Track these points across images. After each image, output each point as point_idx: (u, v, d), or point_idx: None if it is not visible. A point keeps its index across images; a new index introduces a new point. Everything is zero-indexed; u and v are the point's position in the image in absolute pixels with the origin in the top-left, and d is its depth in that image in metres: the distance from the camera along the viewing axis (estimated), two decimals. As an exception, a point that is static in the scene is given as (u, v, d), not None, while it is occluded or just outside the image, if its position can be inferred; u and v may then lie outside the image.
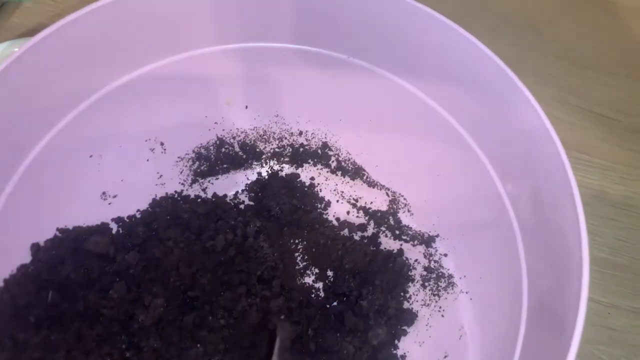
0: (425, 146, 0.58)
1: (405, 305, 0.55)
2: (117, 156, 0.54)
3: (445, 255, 0.58)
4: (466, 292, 0.55)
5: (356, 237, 0.59)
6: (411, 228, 0.60)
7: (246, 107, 0.60)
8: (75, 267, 0.48)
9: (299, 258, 0.56)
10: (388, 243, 0.59)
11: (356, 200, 0.61)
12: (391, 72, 0.55)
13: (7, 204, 0.45)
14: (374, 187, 0.62)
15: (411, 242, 0.59)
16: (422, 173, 0.58)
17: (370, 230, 0.60)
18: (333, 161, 0.62)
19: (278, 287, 0.51)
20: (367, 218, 0.61)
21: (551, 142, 0.43)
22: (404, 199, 0.61)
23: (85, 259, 0.48)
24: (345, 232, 0.59)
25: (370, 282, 0.54)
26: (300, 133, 0.62)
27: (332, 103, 0.59)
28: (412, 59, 0.52)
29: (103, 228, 0.52)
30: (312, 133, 0.62)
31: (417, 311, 0.55)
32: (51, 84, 0.45)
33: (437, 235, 0.59)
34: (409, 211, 0.61)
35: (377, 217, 0.61)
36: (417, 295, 0.56)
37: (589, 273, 0.37)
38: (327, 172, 0.62)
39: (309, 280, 0.55)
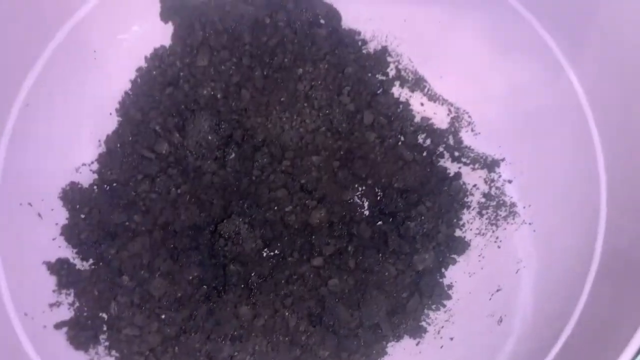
0: (502, 57, 0.50)
1: (458, 233, 0.50)
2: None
3: (510, 181, 0.51)
4: (529, 224, 0.49)
5: (409, 155, 0.52)
6: (473, 150, 0.53)
7: None
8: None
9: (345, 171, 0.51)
10: (445, 164, 0.53)
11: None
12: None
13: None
14: (435, 102, 0.55)
15: (471, 165, 0.53)
16: (494, 86, 0.51)
17: (425, 149, 0.53)
18: (391, 69, 0.55)
19: (319, 198, 0.48)
20: (423, 135, 0.54)
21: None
22: (469, 116, 0.54)
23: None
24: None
25: (420, 204, 0.49)
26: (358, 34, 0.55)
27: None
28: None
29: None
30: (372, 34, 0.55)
31: (470, 240, 0.50)
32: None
33: (503, 159, 0.52)
34: (472, 130, 0.54)
35: (435, 135, 0.54)
36: (471, 223, 0.51)
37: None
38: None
39: (354, 195, 0.51)
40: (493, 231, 0.50)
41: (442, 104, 0.55)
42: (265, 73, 0.50)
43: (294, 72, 0.50)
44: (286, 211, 0.48)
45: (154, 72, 0.50)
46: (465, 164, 0.53)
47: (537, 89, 0.48)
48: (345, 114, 0.51)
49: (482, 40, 0.52)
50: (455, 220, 0.51)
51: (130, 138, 0.49)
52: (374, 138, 0.52)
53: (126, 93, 0.51)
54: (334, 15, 0.53)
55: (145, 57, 0.51)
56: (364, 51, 0.54)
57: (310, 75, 0.51)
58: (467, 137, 0.54)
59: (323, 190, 0.49)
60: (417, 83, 0.55)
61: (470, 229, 0.51)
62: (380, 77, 0.55)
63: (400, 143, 0.53)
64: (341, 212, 0.49)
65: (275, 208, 0.48)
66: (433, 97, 0.55)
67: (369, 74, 0.54)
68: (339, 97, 0.51)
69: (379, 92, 0.54)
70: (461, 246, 0.49)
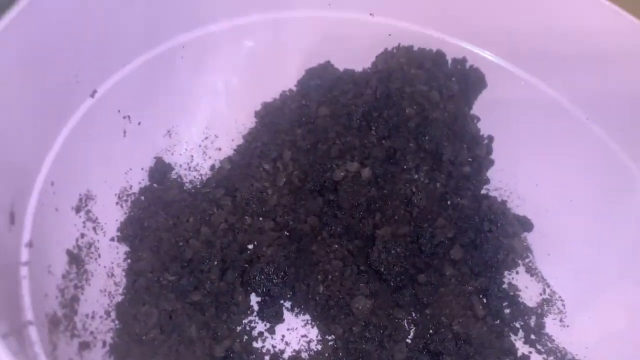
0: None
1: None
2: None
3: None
4: None
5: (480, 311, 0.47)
6: (553, 340, 0.47)
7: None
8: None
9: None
10: (515, 340, 0.47)
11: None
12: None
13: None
14: (531, 275, 0.51)
15: (544, 356, 0.46)
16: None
17: (500, 315, 0.48)
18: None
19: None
20: (505, 303, 0.49)
21: None
22: (562, 304, 0.49)
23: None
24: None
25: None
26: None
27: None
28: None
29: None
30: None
31: None
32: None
33: (585, 366, 0.45)
34: (561, 321, 0.48)
35: (517, 308, 0.49)
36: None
37: None
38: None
39: (405, 317, 0.47)
40: None
41: (539, 282, 0.51)
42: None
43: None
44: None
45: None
46: (538, 351, 0.47)
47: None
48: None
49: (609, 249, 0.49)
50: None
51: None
52: (451, 275, 0.48)
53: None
54: (483, 162, 0.52)
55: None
56: (483, 191, 0.53)
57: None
58: (551, 325, 0.48)
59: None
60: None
61: None
62: (487, 224, 0.53)
63: (479, 295, 0.49)
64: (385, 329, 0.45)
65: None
66: (531, 270, 0.51)
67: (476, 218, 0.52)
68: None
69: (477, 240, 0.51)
70: None
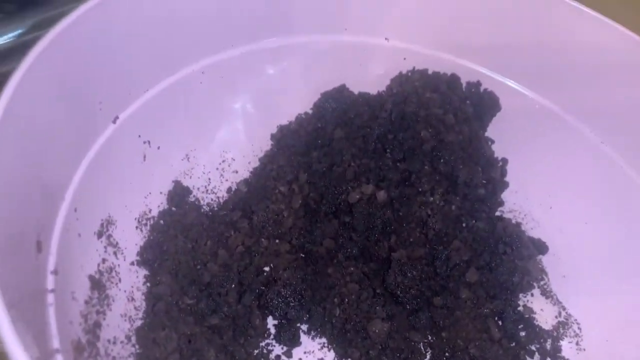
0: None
1: None
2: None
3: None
4: None
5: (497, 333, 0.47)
6: (569, 367, 0.47)
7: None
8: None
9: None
10: (531, 363, 0.47)
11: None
12: None
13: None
14: (546, 298, 0.51)
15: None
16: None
17: (515, 338, 0.48)
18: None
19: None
20: (520, 326, 0.49)
21: None
22: (579, 328, 0.48)
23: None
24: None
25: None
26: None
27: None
28: None
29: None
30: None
31: None
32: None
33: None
34: (577, 344, 0.48)
35: (532, 331, 0.49)
36: None
37: None
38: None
39: (421, 342, 0.47)
40: None
41: (554, 304, 0.51)
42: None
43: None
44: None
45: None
46: (554, 379, 0.46)
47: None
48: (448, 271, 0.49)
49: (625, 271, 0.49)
50: None
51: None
52: (466, 297, 0.48)
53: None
54: (498, 184, 0.52)
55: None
56: (497, 213, 0.53)
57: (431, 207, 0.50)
58: (567, 349, 0.48)
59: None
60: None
61: None
62: (502, 246, 0.53)
63: (495, 318, 0.48)
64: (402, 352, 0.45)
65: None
66: (546, 293, 0.51)
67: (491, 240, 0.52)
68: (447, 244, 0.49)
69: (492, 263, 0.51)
70: None
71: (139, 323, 0.42)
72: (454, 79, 0.53)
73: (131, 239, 0.44)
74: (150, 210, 0.47)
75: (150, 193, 0.47)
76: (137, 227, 0.45)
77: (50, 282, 0.34)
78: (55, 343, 0.32)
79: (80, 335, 0.35)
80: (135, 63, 0.41)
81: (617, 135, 0.48)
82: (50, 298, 0.33)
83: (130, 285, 0.43)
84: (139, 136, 0.45)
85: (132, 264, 0.44)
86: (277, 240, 0.49)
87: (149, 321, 0.42)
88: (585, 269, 0.50)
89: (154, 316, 0.42)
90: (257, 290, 0.45)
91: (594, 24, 0.47)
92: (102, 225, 0.41)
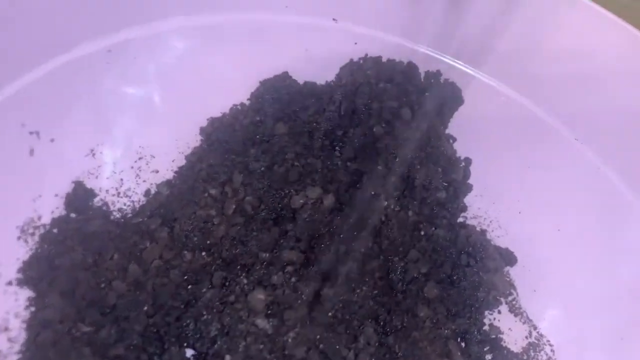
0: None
1: None
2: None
3: None
4: None
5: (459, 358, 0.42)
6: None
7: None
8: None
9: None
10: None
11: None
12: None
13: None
14: (515, 315, 0.46)
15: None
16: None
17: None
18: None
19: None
20: (486, 348, 0.44)
21: None
22: (551, 350, 0.44)
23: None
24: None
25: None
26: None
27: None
28: None
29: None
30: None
31: None
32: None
33: None
34: (550, 369, 0.42)
35: (500, 354, 0.44)
36: None
37: None
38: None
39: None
40: None
41: (524, 323, 0.46)
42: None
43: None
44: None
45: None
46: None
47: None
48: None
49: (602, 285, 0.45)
50: None
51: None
52: (425, 316, 0.43)
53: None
54: (460, 187, 0.49)
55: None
56: (460, 219, 0.49)
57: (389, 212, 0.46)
58: (541, 377, 0.42)
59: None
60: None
61: None
62: (465, 257, 0.48)
63: (457, 340, 0.43)
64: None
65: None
66: (515, 310, 0.46)
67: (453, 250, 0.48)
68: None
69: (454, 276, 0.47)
70: None
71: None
72: (410, 68, 0.50)
73: (10, 252, 0.36)
74: (39, 217, 0.39)
75: (40, 195, 0.39)
76: (19, 238, 0.37)
77: None
78: None
79: None
80: (10, 32, 0.34)
81: (594, 132, 0.44)
82: None
83: (5, 311, 0.34)
84: (23, 125, 0.37)
85: (10, 283, 0.36)
86: (203, 253, 0.43)
87: (28, 355, 0.34)
88: (558, 283, 0.46)
89: (37, 349, 0.34)
90: (175, 315, 0.39)
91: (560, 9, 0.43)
92: (-34, 235, 0.33)
